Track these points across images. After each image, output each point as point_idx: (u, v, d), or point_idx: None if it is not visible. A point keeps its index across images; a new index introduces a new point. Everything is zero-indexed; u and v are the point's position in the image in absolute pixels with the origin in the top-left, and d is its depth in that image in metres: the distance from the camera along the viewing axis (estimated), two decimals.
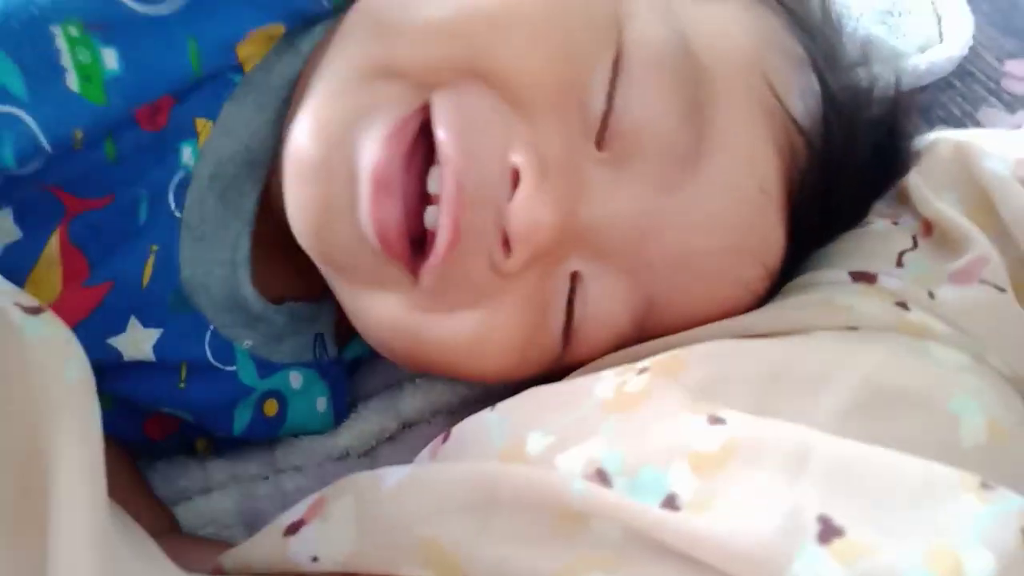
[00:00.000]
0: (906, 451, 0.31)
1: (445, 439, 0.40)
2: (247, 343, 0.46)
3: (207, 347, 0.45)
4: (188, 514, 0.50)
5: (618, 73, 0.38)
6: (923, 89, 0.63)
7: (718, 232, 0.40)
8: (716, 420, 0.33)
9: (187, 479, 0.51)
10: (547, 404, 0.38)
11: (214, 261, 0.44)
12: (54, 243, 0.39)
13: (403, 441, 0.53)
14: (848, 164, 0.42)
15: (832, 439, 0.32)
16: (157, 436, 0.49)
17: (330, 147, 0.38)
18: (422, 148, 0.38)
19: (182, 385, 0.45)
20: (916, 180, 0.44)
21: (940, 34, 0.65)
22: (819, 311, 0.39)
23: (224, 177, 0.43)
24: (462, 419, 0.42)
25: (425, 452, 0.42)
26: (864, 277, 0.41)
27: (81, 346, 0.33)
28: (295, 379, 0.49)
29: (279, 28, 0.41)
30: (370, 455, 0.53)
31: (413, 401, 0.54)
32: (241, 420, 0.48)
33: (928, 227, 0.43)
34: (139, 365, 0.43)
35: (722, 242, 0.40)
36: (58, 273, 0.40)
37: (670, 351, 0.38)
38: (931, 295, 0.39)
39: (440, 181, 0.37)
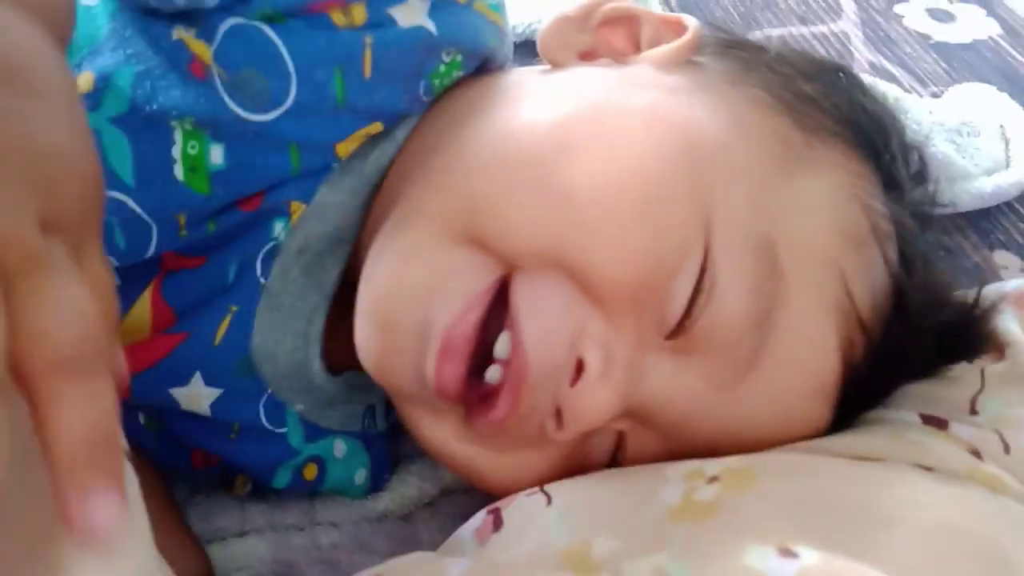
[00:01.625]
0: None
1: (496, 526, 0.40)
2: (299, 407, 0.47)
3: (261, 408, 0.46)
4: (222, 554, 0.50)
5: (701, 282, 0.37)
6: (986, 212, 0.64)
7: (760, 426, 0.40)
8: (788, 552, 0.33)
9: (224, 519, 0.51)
10: (609, 503, 0.38)
11: (288, 331, 0.45)
12: (147, 296, 0.42)
13: (441, 507, 0.53)
14: (902, 362, 0.42)
15: None
16: (201, 466, 0.50)
17: (405, 303, 0.39)
18: (494, 310, 0.38)
19: (233, 436, 0.46)
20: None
21: (1007, 158, 0.66)
22: (892, 444, 0.39)
23: (310, 252, 0.44)
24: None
25: (468, 532, 0.41)
26: (935, 421, 0.40)
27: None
28: (339, 448, 0.50)
29: (378, 127, 0.43)
30: (407, 518, 0.53)
31: None
32: (282, 478, 0.49)
33: (1001, 351, 0.44)
34: (195, 418, 0.45)
35: (763, 433, 0.40)
36: (147, 323, 0.42)
37: (742, 457, 0.38)
38: (1006, 448, 0.39)
39: (508, 363, 0.38)
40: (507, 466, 0.41)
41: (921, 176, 0.49)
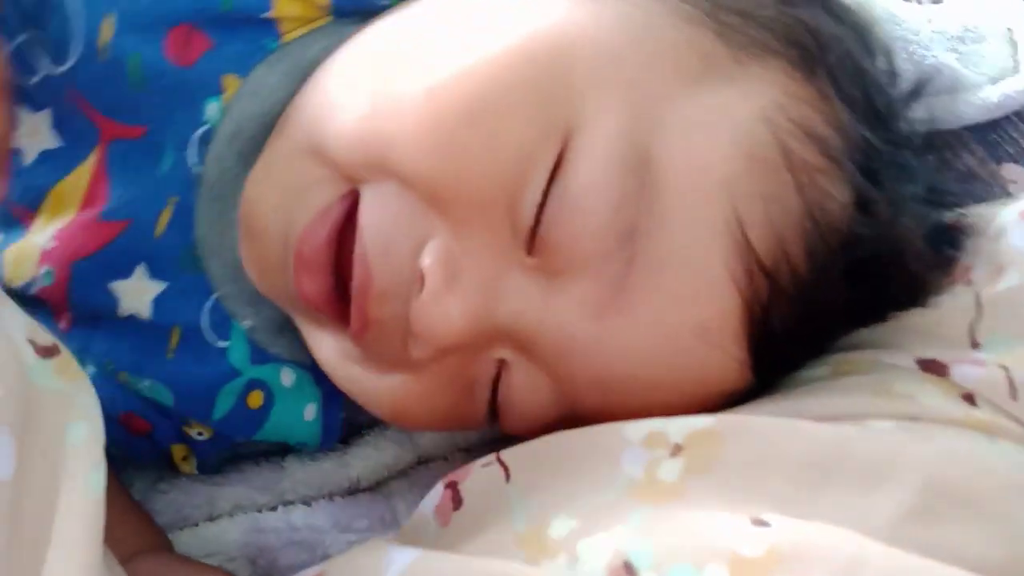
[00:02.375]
0: (967, 563, 0.29)
1: (456, 502, 0.38)
2: (247, 323, 0.46)
3: (205, 314, 0.44)
4: (192, 541, 0.48)
5: (553, 182, 0.35)
6: (994, 124, 0.60)
7: (643, 366, 0.37)
8: (760, 522, 0.30)
9: (192, 504, 0.49)
10: (571, 477, 0.35)
11: (230, 222, 0.43)
12: (92, 160, 0.41)
13: (417, 478, 0.51)
14: (827, 303, 0.38)
15: (888, 551, 0.29)
16: (131, 428, 0.47)
17: (269, 216, 0.40)
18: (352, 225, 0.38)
19: (170, 355, 0.45)
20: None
21: (1015, 64, 0.61)
22: (876, 398, 0.36)
23: (244, 136, 0.43)
24: (483, 456, 0.40)
25: (429, 509, 0.39)
26: (934, 367, 0.37)
27: (93, 396, 0.33)
28: (287, 376, 0.47)
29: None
30: (383, 491, 0.51)
31: (431, 434, 0.51)
32: (223, 406, 0.46)
33: (999, 269, 0.40)
34: (131, 324, 0.43)
35: (651, 375, 0.37)
36: (80, 194, 0.42)
37: (707, 419, 0.35)
38: (1013, 392, 0.36)
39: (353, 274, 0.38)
40: (388, 388, 0.40)
41: (915, 95, 0.45)
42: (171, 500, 0.49)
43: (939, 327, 0.39)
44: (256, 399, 0.47)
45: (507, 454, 0.39)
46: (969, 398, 0.36)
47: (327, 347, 0.41)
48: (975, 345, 0.38)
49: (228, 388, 0.46)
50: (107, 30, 0.39)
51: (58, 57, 0.39)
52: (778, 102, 0.38)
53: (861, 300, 0.39)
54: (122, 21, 0.39)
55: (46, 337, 0.33)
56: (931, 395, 0.36)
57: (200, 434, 0.47)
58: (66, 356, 0.33)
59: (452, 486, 0.39)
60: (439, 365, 0.38)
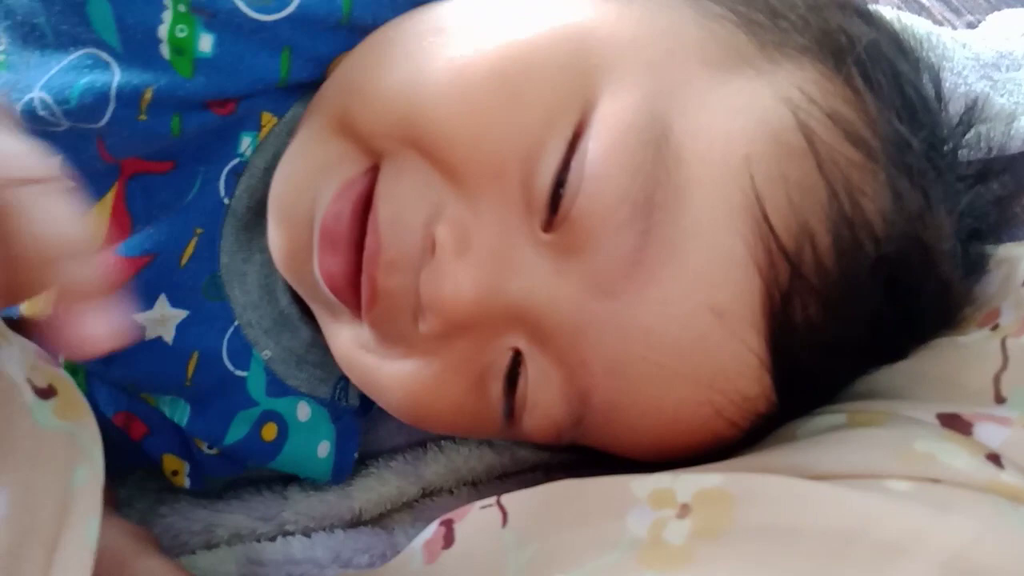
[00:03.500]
0: None
1: (447, 541, 0.37)
2: (266, 352, 0.46)
3: (226, 342, 0.44)
4: (189, 569, 0.47)
5: (572, 153, 0.35)
6: None
7: (657, 348, 0.35)
8: None
9: (189, 531, 0.48)
10: (573, 530, 0.34)
11: (256, 248, 0.44)
12: (109, 198, 0.41)
13: (421, 511, 0.50)
14: (853, 302, 0.36)
15: None
16: (122, 426, 0.47)
17: (296, 195, 0.40)
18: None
19: (188, 383, 0.44)
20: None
21: None
22: (895, 456, 0.34)
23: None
24: (488, 494, 0.39)
25: (418, 545, 0.38)
26: (956, 423, 0.35)
27: (95, 434, 0.32)
28: (303, 410, 0.47)
29: None
30: (384, 524, 0.50)
31: (436, 466, 0.50)
32: (236, 432, 0.46)
33: None
34: (154, 347, 0.43)
35: (664, 358, 0.35)
36: (102, 232, 0.41)
37: (716, 477, 0.34)
38: None
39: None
40: (400, 375, 0.39)
41: (965, 123, 0.44)
42: (169, 524, 0.48)
43: (961, 376, 0.37)
44: (270, 432, 0.47)
45: (508, 498, 0.37)
46: (995, 459, 0.33)
47: (343, 338, 0.41)
48: (1000, 399, 0.36)
49: (243, 415, 0.46)
50: (148, 96, 0.39)
51: (92, 119, 0.39)
52: (808, 92, 0.37)
53: (889, 313, 0.37)
54: (164, 93, 0.39)
55: (43, 376, 0.32)
56: (953, 455, 0.33)
57: (210, 448, 0.47)
58: (64, 395, 0.32)
59: (447, 524, 0.38)
60: (450, 348, 0.38)
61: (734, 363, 0.36)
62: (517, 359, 0.38)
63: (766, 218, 0.35)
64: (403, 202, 0.37)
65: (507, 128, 0.36)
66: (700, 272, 0.35)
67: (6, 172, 0.24)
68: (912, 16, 0.62)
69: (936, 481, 0.32)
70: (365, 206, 0.38)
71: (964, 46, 0.60)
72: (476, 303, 0.36)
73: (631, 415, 0.37)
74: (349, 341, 0.41)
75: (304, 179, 0.40)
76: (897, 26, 0.45)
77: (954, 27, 0.65)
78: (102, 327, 0.25)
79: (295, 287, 0.43)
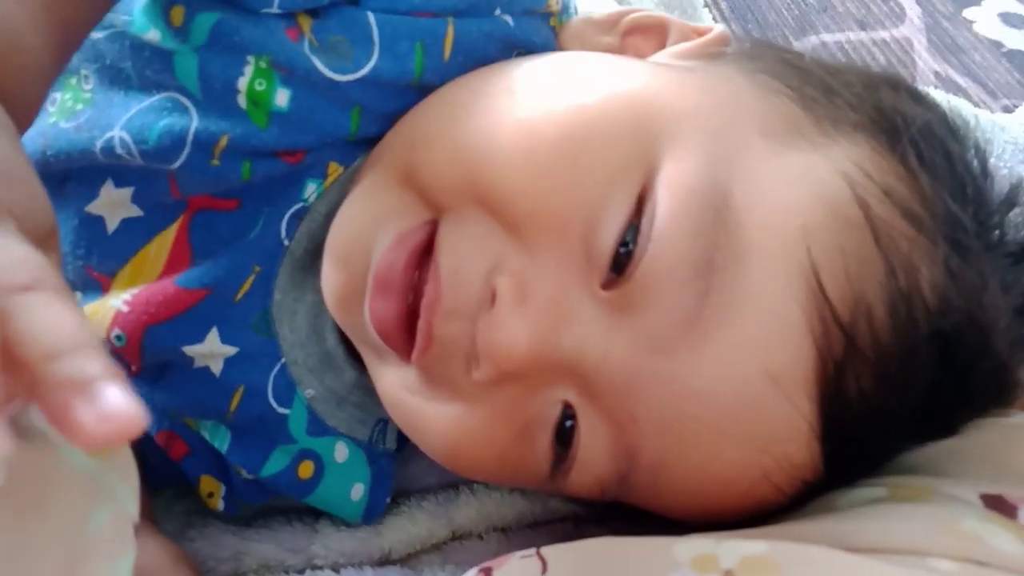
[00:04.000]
0: None
1: None
2: (309, 392, 0.46)
3: (271, 381, 0.45)
4: None
5: (639, 214, 0.36)
6: None
7: (709, 408, 0.36)
8: None
9: (217, 558, 0.48)
10: None
11: (309, 288, 0.45)
12: (173, 229, 0.43)
13: (450, 554, 0.50)
14: (908, 376, 0.37)
15: None
16: (164, 446, 0.47)
17: (354, 240, 0.41)
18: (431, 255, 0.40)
19: (230, 416, 0.45)
20: None
21: None
22: (938, 534, 0.34)
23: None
24: (518, 541, 0.39)
25: None
26: (1000, 505, 0.35)
27: (129, 469, 0.31)
28: (340, 452, 0.48)
29: None
30: (412, 564, 0.50)
31: (467, 510, 0.51)
32: (274, 465, 0.46)
33: None
34: (199, 376, 0.44)
35: (715, 419, 0.36)
36: (161, 262, 0.43)
37: (761, 545, 0.34)
38: None
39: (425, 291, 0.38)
40: (445, 419, 0.40)
41: (1009, 203, 0.44)
42: (197, 550, 0.48)
43: (1007, 456, 0.38)
44: (307, 470, 0.47)
45: (548, 550, 0.37)
46: None
47: (389, 379, 0.41)
48: None
49: (282, 450, 0.47)
50: (223, 143, 0.41)
51: (167, 160, 0.41)
52: (863, 167, 0.38)
53: (942, 390, 0.37)
54: (238, 141, 0.41)
55: None
56: (1000, 538, 0.33)
57: (248, 474, 0.47)
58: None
59: (486, 571, 0.38)
60: (498, 395, 0.38)
61: (785, 428, 0.36)
62: (567, 412, 0.38)
63: (821, 288, 0.35)
64: (464, 253, 0.38)
65: (572, 187, 0.37)
66: (756, 336, 0.35)
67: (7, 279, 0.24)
68: (951, 97, 0.64)
69: (982, 564, 0.32)
70: (420, 256, 0.39)
71: (1003, 129, 0.62)
72: (530, 353, 0.36)
73: (678, 475, 0.37)
74: (395, 382, 0.41)
75: (363, 225, 0.41)
76: (946, 107, 0.46)
77: (991, 111, 0.67)
78: (112, 415, 0.23)
79: (344, 329, 0.43)
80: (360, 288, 0.40)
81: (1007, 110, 0.67)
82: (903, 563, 0.32)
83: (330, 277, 0.42)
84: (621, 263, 0.36)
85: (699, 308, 0.35)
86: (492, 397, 0.38)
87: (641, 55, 0.45)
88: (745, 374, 0.35)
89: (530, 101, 0.39)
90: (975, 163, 0.43)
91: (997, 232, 0.43)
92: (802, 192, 0.37)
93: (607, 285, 0.37)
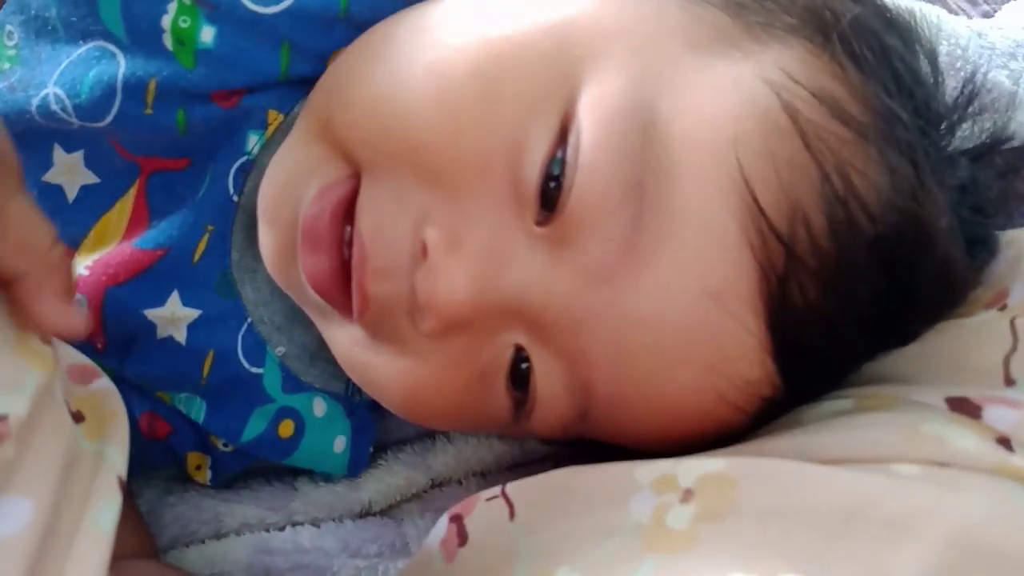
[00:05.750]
0: None
1: (461, 538, 0.36)
2: (279, 349, 0.46)
3: (240, 340, 0.45)
4: (198, 559, 0.47)
5: (562, 144, 0.35)
6: None
7: (655, 334, 0.35)
8: None
9: (199, 520, 0.48)
10: (578, 518, 0.34)
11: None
12: (132, 193, 0.42)
13: (430, 501, 0.50)
14: (852, 281, 0.35)
15: None
16: (148, 432, 0.47)
17: (280, 195, 0.40)
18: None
19: (203, 382, 0.45)
20: None
21: None
22: (902, 440, 0.33)
23: None
24: (496, 483, 0.39)
25: (435, 544, 0.38)
26: (964, 406, 0.34)
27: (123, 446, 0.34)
28: (319, 406, 0.47)
29: None
30: (393, 514, 0.50)
31: (445, 457, 0.50)
32: (254, 428, 0.46)
33: None
34: (167, 346, 0.43)
35: (663, 344, 0.35)
36: (122, 227, 0.43)
37: (719, 462, 0.33)
38: None
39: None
40: (398, 373, 0.39)
41: (964, 108, 0.43)
42: (179, 514, 0.48)
43: (970, 358, 0.37)
44: (287, 428, 0.47)
45: (513, 488, 0.37)
46: (1004, 442, 0.33)
47: (339, 338, 0.41)
48: (1010, 381, 0.35)
49: (260, 412, 0.46)
50: (152, 88, 0.40)
51: (100, 115, 0.40)
52: (791, 72, 0.36)
53: (889, 292, 0.36)
54: (167, 83, 0.40)
55: (74, 401, 0.33)
56: (962, 438, 0.33)
57: (226, 445, 0.47)
58: (91, 420, 0.33)
59: (457, 520, 0.38)
60: (448, 346, 0.37)
61: (734, 346, 0.35)
62: (520, 355, 0.38)
63: (755, 199, 0.34)
64: (385, 211, 0.37)
65: (489, 125, 0.35)
66: (693, 255, 0.34)
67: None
68: (926, 5, 0.61)
69: (944, 465, 0.31)
70: (347, 209, 0.38)
71: (980, 35, 0.60)
72: (472, 300, 0.35)
73: (635, 404, 0.37)
74: (345, 340, 0.40)
75: (288, 180, 0.40)
76: (888, 2, 0.44)
77: (969, 16, 0.64)
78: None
79: (285, 290, 0.42)
80: (292, 246, 0.39)
81: (986, 15, 0.65)
82: (864, 469, 0.32)
83: (263, 237, 0.41)
84: (551, 197, 0.35)
85: (634, 233, 0.34)
86: (442, 348, 0.38)
87: None
88: (687, 295, 0.34)
89: (439, 39, 0.37)
90: (922, 59, 0.41)
91: (947, 128, 0.41)
92: (730, 103, 0.35)
93: (541, 222, 0.35)
